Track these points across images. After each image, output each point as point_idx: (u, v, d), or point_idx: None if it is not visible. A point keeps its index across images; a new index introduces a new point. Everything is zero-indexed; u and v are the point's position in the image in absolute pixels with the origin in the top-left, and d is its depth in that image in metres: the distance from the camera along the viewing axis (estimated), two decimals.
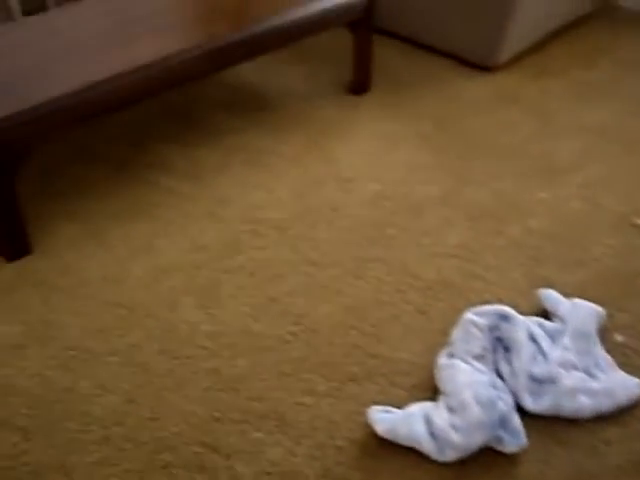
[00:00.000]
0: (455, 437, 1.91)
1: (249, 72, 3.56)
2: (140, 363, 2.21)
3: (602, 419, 2.06)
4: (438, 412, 1.97)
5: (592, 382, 2.08)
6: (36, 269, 2.53)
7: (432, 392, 2.09)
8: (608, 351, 2.21)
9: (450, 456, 1.93)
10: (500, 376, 2.10)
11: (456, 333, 2.16)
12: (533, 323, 2.20)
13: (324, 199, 2.80)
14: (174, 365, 2.20)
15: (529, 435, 1.98)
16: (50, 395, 2.13)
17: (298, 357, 2.22)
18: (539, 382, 2.07)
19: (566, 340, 2.17)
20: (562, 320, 2.24)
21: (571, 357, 2.12)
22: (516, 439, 1.95)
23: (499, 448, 1.96)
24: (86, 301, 2.41)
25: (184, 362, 2.21)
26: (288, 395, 2.11)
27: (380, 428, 1.98)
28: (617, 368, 2.16)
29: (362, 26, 3.27)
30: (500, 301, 2.34)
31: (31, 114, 2.42)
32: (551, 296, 2.34)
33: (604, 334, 2.27)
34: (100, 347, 2.26)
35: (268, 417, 2.06)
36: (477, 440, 1.92)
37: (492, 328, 2.14)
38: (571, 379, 2.07)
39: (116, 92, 2.58)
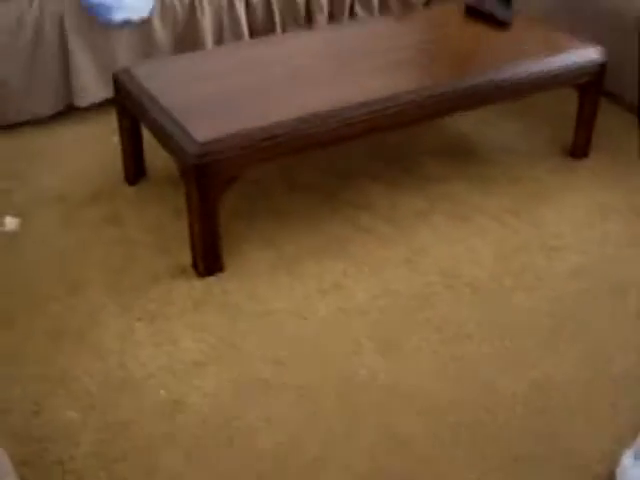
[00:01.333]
0: None
1: (464, 120, 3.48)
2: (312, 403, 2.17)
3: None
4: None
5: None
6: (225, 289, 2.54)
7: None
8: None
9: None
10: None
11: None
12: None
13: (526, 264, 2.69)
14: (345, 411, 2.15)
15: None
16: (218, 419, 2.12)
17: (471, 423, 2.12)
18: None
19: None
20: None
21: None
22: None
23: None
24: (269, 330, 2.40)
25: (356, 410, 2.16)
26: (453, 469, 2.02)
27: None
28: None
29: (591, 88, 3.14)
30: None
31: (248, 137, 2.45)
32: None
33: None
34: (275, 379, 2.24)
35: None
36: None
37: None
38: None
39: (334, 126, 2.57)
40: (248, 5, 3.58)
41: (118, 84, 2.84)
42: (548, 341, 2.39)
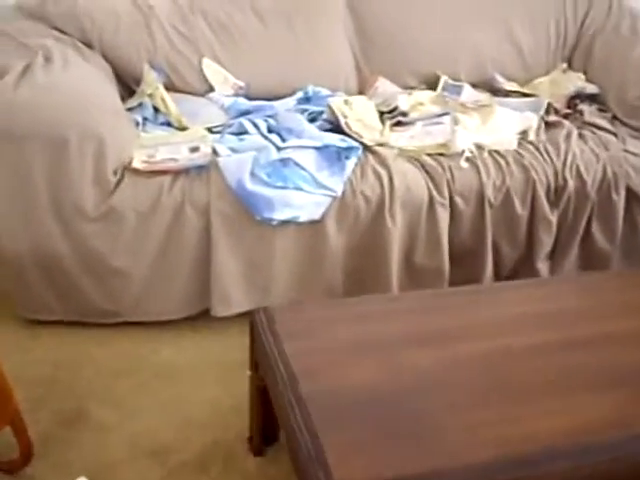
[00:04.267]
0: None
1: None
2: None
3: None
4: None
5: None
6: None
7: None
8: None
9: None
10: None
11: None
12: None
13: None
14: None
15: None
16: None
17: None
18: None
19: None
20: None
21: None
22: None
23: None
24: None
25: None
26: None
27: None
28: None
29: None
30: None
31: None
32: None
33: None
34: None
35: None
36: None
37: None
38: None
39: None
40: (453, 214, 2.71)
41: (254, 330, 2.04)
42: None
